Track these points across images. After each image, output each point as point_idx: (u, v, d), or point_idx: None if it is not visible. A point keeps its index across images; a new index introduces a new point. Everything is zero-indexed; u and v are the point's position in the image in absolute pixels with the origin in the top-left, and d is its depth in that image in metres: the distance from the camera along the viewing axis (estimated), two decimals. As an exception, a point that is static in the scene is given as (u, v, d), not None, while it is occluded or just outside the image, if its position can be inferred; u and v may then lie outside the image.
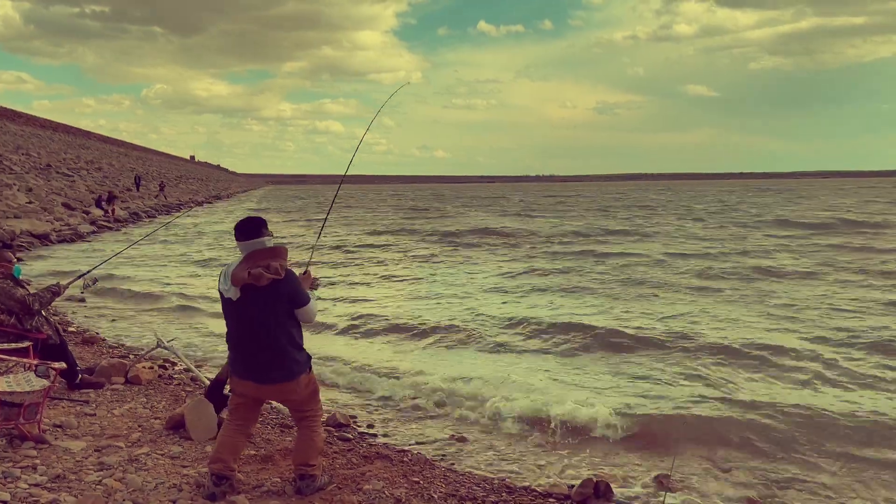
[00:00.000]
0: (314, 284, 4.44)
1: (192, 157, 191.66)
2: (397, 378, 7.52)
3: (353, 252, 21.33)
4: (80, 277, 6.71)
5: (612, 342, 9.00)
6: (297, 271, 4.21)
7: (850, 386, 7.13)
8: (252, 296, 3.88)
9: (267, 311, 3.90)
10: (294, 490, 4.19)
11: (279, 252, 3.96)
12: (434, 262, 18.58)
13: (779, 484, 4.98)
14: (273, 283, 3.85)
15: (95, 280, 6.72)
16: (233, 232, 4.08)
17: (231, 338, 4.07)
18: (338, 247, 22.65)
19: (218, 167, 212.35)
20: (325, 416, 6.18)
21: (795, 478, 5.07)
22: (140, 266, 17.20)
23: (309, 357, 4.14)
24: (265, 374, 3.98)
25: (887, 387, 7.08)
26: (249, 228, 3.97)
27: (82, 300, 11.88)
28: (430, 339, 9.48)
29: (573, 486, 4.75)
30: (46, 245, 20.72)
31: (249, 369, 4.00)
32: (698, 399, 6.67)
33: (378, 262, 19.07)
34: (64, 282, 6.44)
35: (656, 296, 12.73)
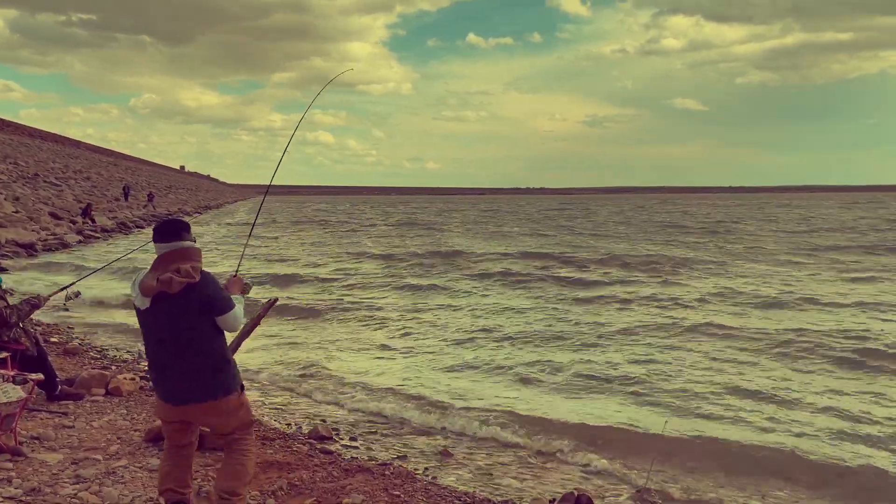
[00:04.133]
0: (245, 288, 3.91)
1: (182, 168, 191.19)
2: (381, 392, 7.48)
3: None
4: (62, 290, 6.65)
5: (594, 363, 9.00)
6: (224, 276, 3.78)
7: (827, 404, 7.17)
8: (164, 305, 3.40)
9: (182, 320, 3.40)
10: None
11: (191, 253, 3.48)
12: (427, 278, 18.55)
13: (763, 497, 4.99)
14: (186, 288, 3.38)
15: (78, 293, 6.63)
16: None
17: (148, 353, 3.58)
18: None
19: (208, 177, 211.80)
20: (308, 429, 6.15)
21: (774, 491, 5.09)
22: (123, 277, 17.09)
23: (238, 373, 3.62)
24: (182, 393, 3.46)
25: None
26: (169, 230, 3.51)
27: (66, 309, 11.77)
28: (417, 354, 9.45)
29: (554, 499, 4.74)
30: (32, 254, 20.54)
31: (167, 387, 3.50)
32: (681, 415, 6.69)
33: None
34: (45, 294, 6.37)
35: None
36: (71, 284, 6.67)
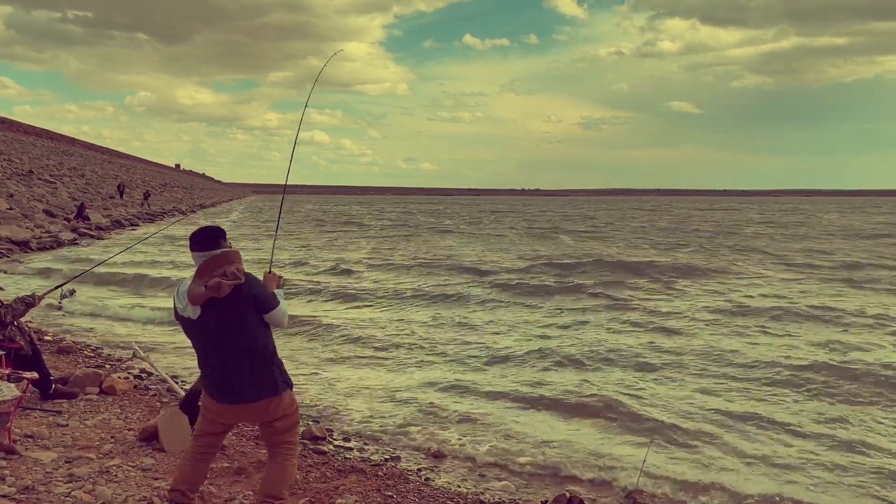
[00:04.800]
0: (280, 284, 4.01)
1: (178, 166, 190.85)
2: (376, 393, 7.51)
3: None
4: (57, 288, 6.67)
5: (586, 365, 9.04)
6: (259, 275, 3.87)
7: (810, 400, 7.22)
8: (215, 309, 3.48)
9: (235, 321, 3.50)
10: None
11: (232, 257, 3.55)
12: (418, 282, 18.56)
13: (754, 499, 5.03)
14: (235, 290, 3.46)
15: (73, 291, 6.62)
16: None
17: (201, 359, 3.66)
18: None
19: (203, 175, 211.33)
20: (301, 428, 6.17)
21: (768, 494, 5.13)
22: (119, 274, 17.07)
23: (286, 372, 3.75)
24: (244, 392, 3.55)
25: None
26: (206, 238, 3.58)
27: (60, 307, 11.76)
28: (414, 358, 9.48)
29: (546, 501, 4.78)
30: (26, 252, 20.48)
31: (226, 389, 3.57)
32: (675, 416, 6.73)
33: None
34: (40, 292, 6.38)
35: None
36: (65, 283, 6.69)
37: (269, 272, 4.10)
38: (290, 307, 3.82)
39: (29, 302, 6.01)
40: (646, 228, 42.42)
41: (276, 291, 3.78)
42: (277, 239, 5.45)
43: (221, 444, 3.89)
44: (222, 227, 3.73)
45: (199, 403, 3.88)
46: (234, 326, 3.51)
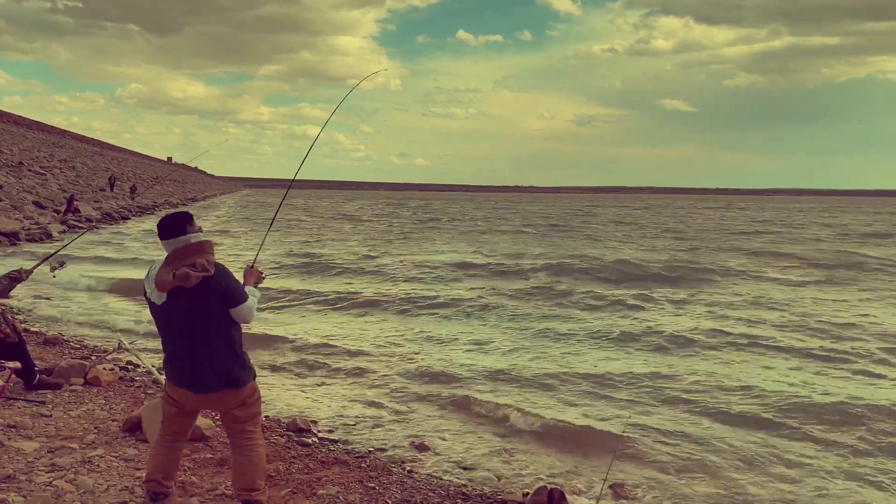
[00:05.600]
0: (259, 279, 3.98)
1: (170, 159, 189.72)
2: (361, 385, 7.53)
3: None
4: (44, 261, 6.45)
5: (576, 357, 9.10)
6: (240, 269, 3.83)
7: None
8: (181, 299, 3.49)
9: (200, 312, 3.50)
10: None
11: (204, 247, 3.56)
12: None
13: (736, 493, 5.08)
14: (204, 281, 3.46)
15: (62, 262, 6.43)
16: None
17: (165, 345, 3.67)
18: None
19: (195, 169, 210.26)
20: (286, 421, 6.18)
21: (751, 484, 5.18)
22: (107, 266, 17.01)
23: (251, 364, 3.76)
24: (205, 382, 3.57)
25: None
26: (173, 225, 3.57)
27: (49, 298, 11.74)
28: (401, 347, 9.50)
29: (527, 493, 4.81)
30: (15, 244, 20.37)
31: (186, 377, 3.60)
32: (660, 410, 6.78)
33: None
34: (27, 267, 6.23)
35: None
36: (54, 254, 6.51)
37: (252, 266, 4.07)
38: (262, 303, 3.76)
39: (15, 277, 5.92)
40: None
41: (249, 287, 3.77)
42: (270, 233, 5.39)
43: (190, 430, 3.87)
44: (203, 217, 3.71)
45: (163, 392, 3.86)
46: (199, 317, 3.51)
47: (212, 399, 3.63)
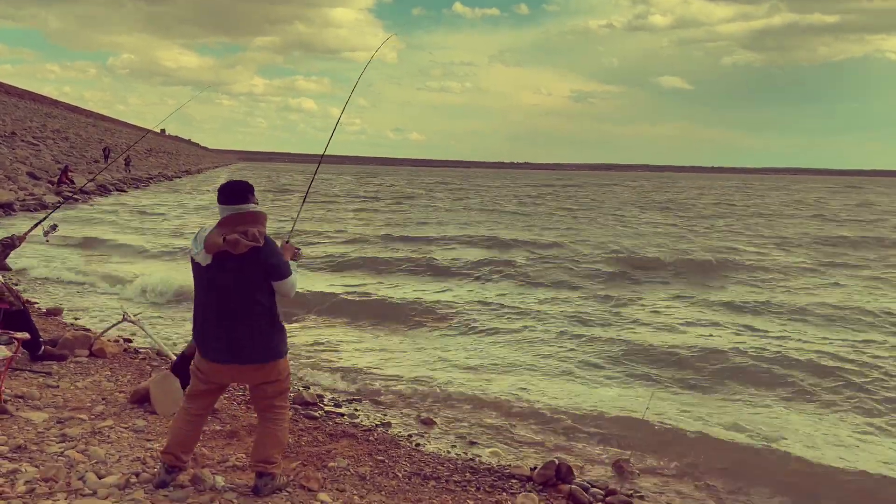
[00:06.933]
0: (296, 256, 4.00)
1: (163, 131, 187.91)
2: (367, 362, 7.54)
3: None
4: (37, 225, 6.27)
5: (579, 337, 9.13)
6: (278, 242, 3.84)
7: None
8: (227, 264, 3.47)
9: (243, 281, 3.49)
10: (251, 489, 3.79)
11: (259, 218, 3.55)
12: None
13: (736, 473, 5.14)
14: (251, 251, 3.45)
15: (55, 226, 6.26)
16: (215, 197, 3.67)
17: (199, 309, 3.64)
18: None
19: (189, 142, 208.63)
20: (292, 394, 6.20)
21: (747, 462, 5.23)
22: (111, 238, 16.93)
23: (286, 339, 3.74)
24: (242, 352, 3.54)
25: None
26: (235, 191, 3.57)
27: (47, 279, 11.67)
28: (407, 325, 9.51)
29: (535, 467, 4.84)
30: (9, 214, 20.22)
31: (222, 347, 3.56)
32: (663, 388, 6.83)
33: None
34: (20, 233, 6.09)
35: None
36: (45, 218, 6.34)
37: (287, 242, 4.08)
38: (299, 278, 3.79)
39: (8, 243, 5.82)
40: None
41: (290, 262, 3.75)
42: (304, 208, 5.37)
43: (214, 405, 3.89)
44: (248, 184, 3.63)
45: (191, 365, 3.86)
46: (243, 285, 3.51)
47: (249, 371, 3.61)
